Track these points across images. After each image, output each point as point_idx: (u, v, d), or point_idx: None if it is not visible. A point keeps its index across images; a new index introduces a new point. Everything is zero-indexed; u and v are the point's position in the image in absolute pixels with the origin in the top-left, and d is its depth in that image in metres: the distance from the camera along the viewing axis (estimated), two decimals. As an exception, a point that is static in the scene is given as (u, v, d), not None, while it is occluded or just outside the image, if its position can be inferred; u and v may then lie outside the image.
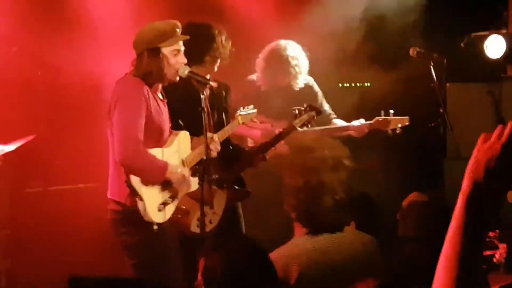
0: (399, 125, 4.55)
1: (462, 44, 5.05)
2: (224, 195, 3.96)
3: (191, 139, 3.73)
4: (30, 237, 4.85)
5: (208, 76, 3.88)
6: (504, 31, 5.17)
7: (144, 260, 3.52)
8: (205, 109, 3.58)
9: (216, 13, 5.26)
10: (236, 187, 4.06)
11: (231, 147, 3.98)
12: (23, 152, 4.66)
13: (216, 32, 3.91)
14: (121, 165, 3.42)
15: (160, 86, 3.62)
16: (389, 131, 4.56)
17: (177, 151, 3.63)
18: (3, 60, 4.91)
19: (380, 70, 5.20)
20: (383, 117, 4.52)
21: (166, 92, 3.68)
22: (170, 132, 3.68)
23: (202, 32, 3.91)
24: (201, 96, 3.49)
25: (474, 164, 1.40)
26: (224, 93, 4.15)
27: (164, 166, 3.50)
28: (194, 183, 3.64)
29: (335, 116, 4.63)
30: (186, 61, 3.52)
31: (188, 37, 3.55)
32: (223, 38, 3.92)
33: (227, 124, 4.01)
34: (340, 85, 5.61)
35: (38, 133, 4.67)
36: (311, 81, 4.67)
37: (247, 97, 4.43)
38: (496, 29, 5.16)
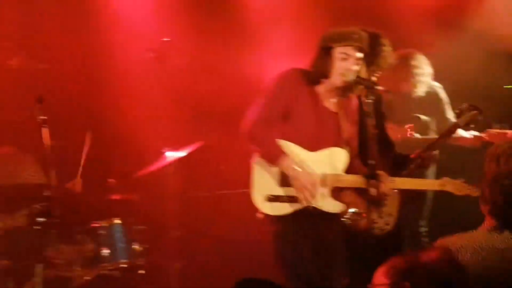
0: None
1: None
2: (398, 198, 3.96)
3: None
4: (199, 239, 5.07)
5: None
6: None
7: (282, 255, 3.63)
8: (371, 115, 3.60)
9: (370, 22, 5.38)
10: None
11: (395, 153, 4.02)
12: (193, 157, 4.92)
13: (385, 42, 4.00)
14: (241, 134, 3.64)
15: (331, 96, 3.66)
16: None
17: (319, 160, 3.65)
18: (171, 68, 5.23)
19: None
20: (496, 130, 4.38)
21: None
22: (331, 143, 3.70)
23: (371, 40, 3.99)
24: (367, 101, 3.50)
25: None
26: (380, 100, 4.19)
27: (279, 152, 3.55)
28: (330, 203, 3.64)
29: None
30: (355, 68, 3.54)
31: (359, 44, 3.58)
32: (389, 49, 4.01)
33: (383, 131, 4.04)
34: (506, 86, 5.45)
35: (206, 139, 4.92)
36: (436, 88, 4.79)
37: None
38: None
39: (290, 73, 3.63)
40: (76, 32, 5.48)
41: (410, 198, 4.25)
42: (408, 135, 4.53)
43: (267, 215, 3.62)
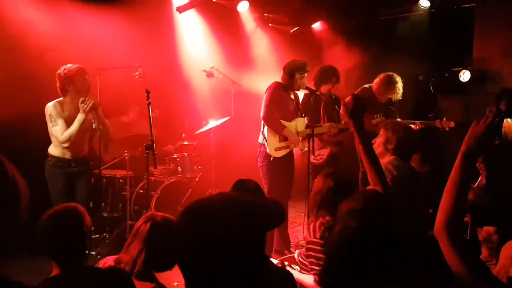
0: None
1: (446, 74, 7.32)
2: (328, 149, 6.70)
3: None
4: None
5: None
6: (469, 67, 7.60)
7: (270, 175, 5.97)
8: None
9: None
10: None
11: None
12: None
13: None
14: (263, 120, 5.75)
15: (291, 92, 5.97)
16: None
17: (295, 125, 5.96)
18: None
19: None
20: None
21: None
22: (297, 116, 6.01)
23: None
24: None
25: (469, 135, 1.95)
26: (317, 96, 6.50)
27: (282, 126, 5.76)
28: (302, 144, 5.96)
29: None
30: (306, 83, 5.96)
31: (308, 71, 5.92)
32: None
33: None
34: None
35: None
36: None
37: None
38: (465, 66, 7.58)
39: (275, 85, 5.90)
40: (164, 54, 7.63)
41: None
42: None
43: (274, 158, 5.82)
